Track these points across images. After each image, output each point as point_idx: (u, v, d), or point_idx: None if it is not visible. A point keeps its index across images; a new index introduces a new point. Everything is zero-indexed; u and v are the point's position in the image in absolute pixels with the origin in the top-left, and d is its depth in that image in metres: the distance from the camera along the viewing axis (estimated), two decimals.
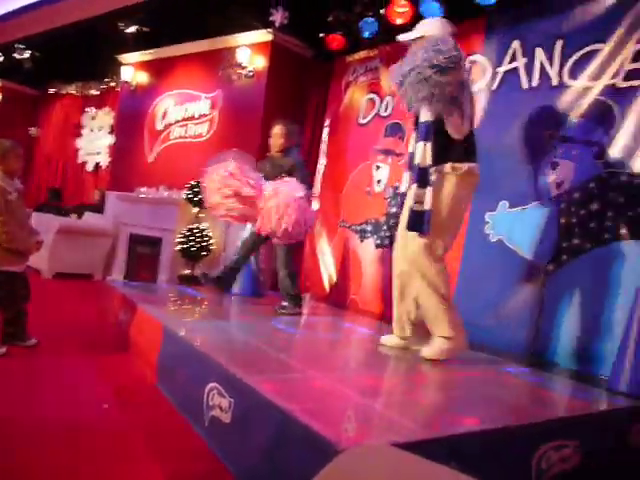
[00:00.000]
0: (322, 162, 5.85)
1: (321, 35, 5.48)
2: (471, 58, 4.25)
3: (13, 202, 3.28)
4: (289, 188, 3.92)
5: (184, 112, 6.87)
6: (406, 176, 3.18)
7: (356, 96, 5.54)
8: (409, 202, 3.00)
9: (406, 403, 2.22)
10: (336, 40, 5.42)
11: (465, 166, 2.95)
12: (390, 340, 3.27)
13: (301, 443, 1.72)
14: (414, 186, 2.95)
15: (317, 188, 5.82)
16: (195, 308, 4.19)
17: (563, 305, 3.48)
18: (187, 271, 5.92)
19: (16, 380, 2.83)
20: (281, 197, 3.86)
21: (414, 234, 2.97)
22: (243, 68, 6.13)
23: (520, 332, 3.64)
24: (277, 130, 4.33)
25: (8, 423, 2.26)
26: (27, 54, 8.59)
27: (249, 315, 4.06)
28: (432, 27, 3.01)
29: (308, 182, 4.33)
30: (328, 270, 5.48)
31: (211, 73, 6.60)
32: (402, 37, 3.11)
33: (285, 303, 4.25)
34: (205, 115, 6.60)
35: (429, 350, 2.97)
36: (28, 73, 9.21)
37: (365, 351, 3.38)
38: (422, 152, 2.91)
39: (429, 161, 2.91)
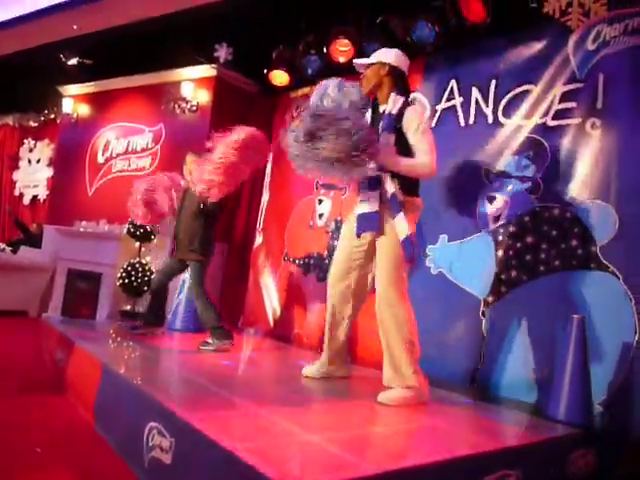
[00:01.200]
0: (265, 196, 5.87)
1: (265, 71, 5.56)
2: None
3: None
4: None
5: (126, 145, 6.79)
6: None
7: None
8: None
9: (351, 438, 2.21)
10: (280, 76, 5.51)
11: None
12: (311, 370, 3.30)
13: None
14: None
15: (260, 222, 5.83)
16: (136, 345, 4.06)
17: (503, 335, 3.58)
18: (128, 307, 5.77)
19: None
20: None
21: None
22: (187, 102, 6.13)
23: (461, 363, 3.70)
24: (188, 159, 4.41)
25: None
26: None
27: (191, 351, 3.96)
28: (388, 55, 3.08)
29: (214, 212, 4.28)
30: (272, 304, 5.45)
31: (154, 106, 6.57)
32: (357, 62, 3.18)
33: (209, 339, 4.01)
34: (148, 148, 6.53)
35: (388, 396, 2.80)
36: None
37: (309, 386, 3.36)
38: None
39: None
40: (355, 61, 3.21)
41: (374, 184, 2.94)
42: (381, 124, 2.96)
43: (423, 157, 2.89)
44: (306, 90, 5.57)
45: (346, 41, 4.78)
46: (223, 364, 3.58)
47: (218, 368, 3.45)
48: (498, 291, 3.67)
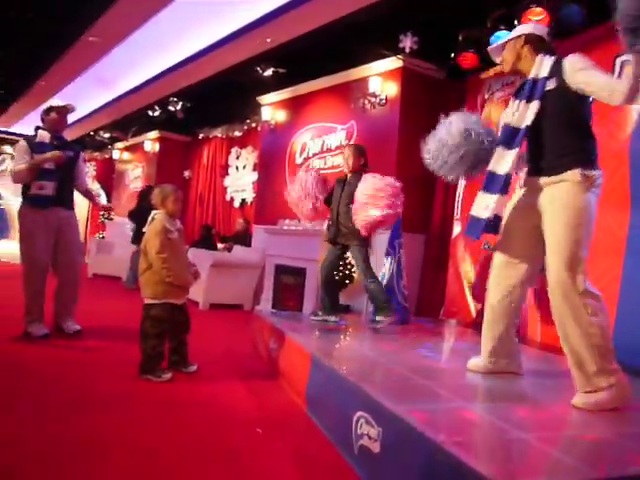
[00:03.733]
0: (462, 184, 5.67)
1: (452, 55, 5.40)
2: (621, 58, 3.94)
3: (174, 241, 3.58)
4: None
5: (321, 144, 7.10)
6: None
7: (493, 113, 5.36)
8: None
9: (565, 438, 2.05)
10: (468, 58, 5.31)
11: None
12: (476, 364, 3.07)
13: (452, 477, 1.65)
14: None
15: (458, 211, 5.68)
16: (340, 336, 4.24)
17: None
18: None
19: (180, 403, 3.04)
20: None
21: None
22: (375, 97, 6.21)
23: None
24: (345, 153, 4.57)
25: (171, 442, 2.43)
26: (179, 106, 9.46)
27: (393, 343, 4.01)
28: (518, 29, 2.93)
29: None
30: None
31: (345, 104, 6.78)
32: (491, 48, 3.01)
33: (379, 317, 4.25)
34: (342, 146, 6.76)
35: (577, 401, 2.50)
36: (181, 122, 10.14)
37: (517, 380, 3.18)
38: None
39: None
40: (489, 48, 3.01)
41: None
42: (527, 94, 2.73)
43: (609, 84, 2.47)
44: (497, 69, 5.29)
45: (539, 9, 4.44)
46: (424, 355, 3.56)
47: (420, 359, 3.44)
48: None
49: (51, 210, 4.45)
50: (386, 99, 6.16)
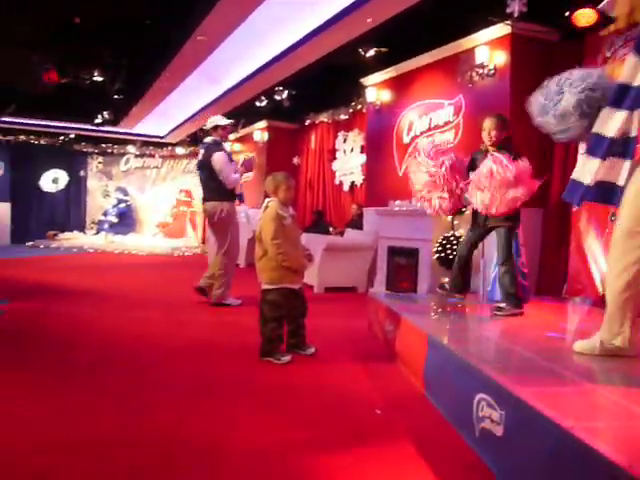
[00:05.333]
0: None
1: (567, 14, 5.03)
2: None
3: (288, 227, 3.69)
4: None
5: (428, 122, 6.95)
6: None
7: (617, 72, 4.95)
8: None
9: None
10: (585, 15, 4.92)
11: None
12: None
13: (582, 464, 1.57)
14: None
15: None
16: (457, 317, 4.15)
17: None
18: (446, 279, 5.92)
19: (300, 385, 3.14)
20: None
21: None
22: (483, 67, 5.96)
23: None
24: (488, 123, 4.17)
25: (293, 422, 2.52)
26: (285, 94, 9.66)
27: (514, 322, 3.87)
28: None
29: None
30: (600, 270, 4.95)
31: (451, 79, 6.57)
32: (603, 5, 2.74)
33: (503, 304, 4.05)
34: (449, 122, 6.57)
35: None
36: (287, 110, 10.34)
37: None
38: None
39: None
40: (603, 3, 2.72)
41: None
42: None
43: None
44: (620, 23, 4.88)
45: None
46: (547, 335, 3.40)
47: (543, 340, 3.29)
48: None
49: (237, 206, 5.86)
50: (495, 69, 5.89)
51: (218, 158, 5.59)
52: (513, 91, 5.68)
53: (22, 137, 15.10)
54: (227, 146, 5.99)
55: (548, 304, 4.85)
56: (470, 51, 6.16)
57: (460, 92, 6.42)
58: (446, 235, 5.86)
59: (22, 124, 14.02)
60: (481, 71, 6.00)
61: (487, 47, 5.93)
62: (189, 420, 2.56)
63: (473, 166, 4.19)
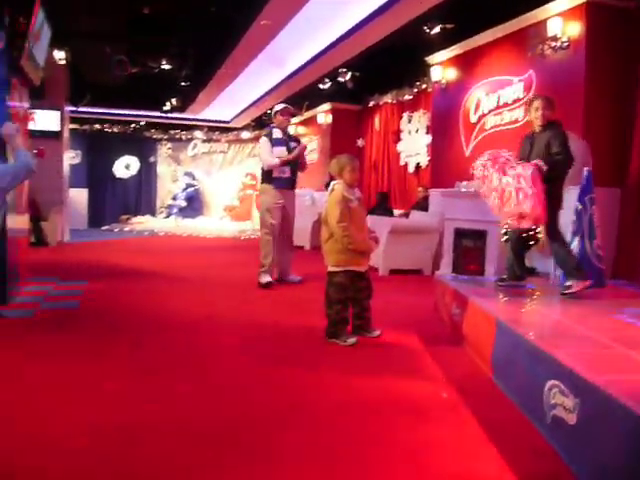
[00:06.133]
0: None
1: None
2: None
3: (354, 209, 3.68)
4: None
5: (497, 100, 6.72)
6: None
7: None
8: None
9: None
10: None
11: None
12: None
13: None
14: None
15: None
16: (527, 300, 4.04)
17: None
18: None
19: (364, 367, 3.15)
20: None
21: None
22: (556, 40, 5.68)
23: None
24: (539, 102, 4.02)
25: (357, 401, 2.54)
26: (348, 76, 9.60)
27: (587, 307, 3.71)
28: None
29: (561, 159, 3.86)
30: None
31: (521, 54, 6.31)
32: None
33: (568, 282, 3.86)
34: (519, 99, 6.33)
35: None
36: (351, 92, 10.28)
37: None
38: None
39: None
40: None
41: None
42: None
43: None
44: None
45: None
46: (625, 321, 3.26)
47: (619, 325, 3.16)
48: None
49: (284, 191, 5.93)
50: (569, 41, 5.60)
51: (260, 144, 6.09)
52: (589, 64, 5.41)
53: (97, 126, 15.72)
54: (277, 132, 5.95)
55: (625, 289, 4.64)
56: (541, 23, 5.89)
57: (531, 67, 6.16)
58: None
59: (96, 114, 14.58)
60: (554, 44, 5.73)
61: (560, 18, 5.64)
62: (255, 397, 2.63)
63: (520, 152, 4.12)
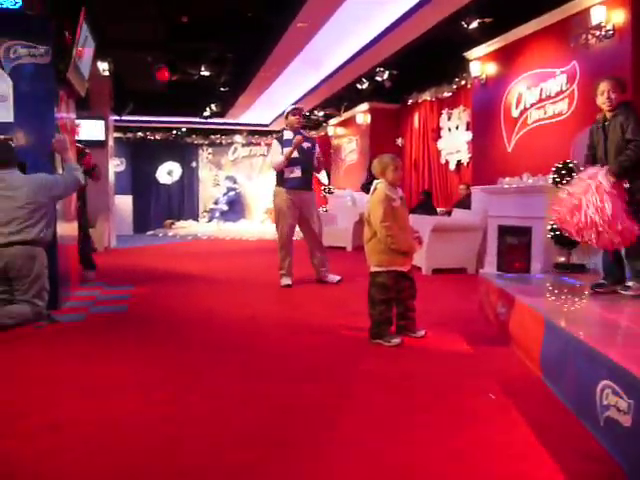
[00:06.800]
0: None
1: None
2: None
3: (397, 209, 3.66)
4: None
5: (539, 93, 6.58)
6: None
7: None
8: None
9: None
10: None
11: None
12: None
13: None
14: None
15: None
16: (575, 298, 3.92)
17: None
18: (563, 258, 5.62)
19: (409, 368, 3.13)
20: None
21: None
22: (600, 29, 5.52)
23: None
24: (605, 85, 3.69)
25: (403, 404, 2.52)
26: (386, 75, 9.55)
27: None
28: None
29: (635, 146, 3.52)
30: None
31: (562, 44, 6.16)
32: None
33: (630, 283, 3.65)
34: (562, 92, 6.18)
35: None
36: (389, 91, 10.23)
37: None
38: None
39: None
40: None
41: None
42: None
43: None
44: None
45: None
46: None
47: None
48: None
49: (296, 192, 5.87)
50: (614, 30, 5.43)
51: (272, 145, 6.20)
52: (635, 53, 5.23)
53: (139, 134, 16.11)
54: (287, 134, 5.97)
55: None
56: (584, 12, 5.73)
57: (573, 58, 6.01)
58: None
59: (139, 122, 14.96)
60: (597, 33, 5.57)
61: (604, 6, 5.48)
62: (301, 398, 2.64)
63: (591, 142, 3.87)
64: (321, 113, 13.55)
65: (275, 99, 12.35)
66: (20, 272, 4.14)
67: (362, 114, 12.06)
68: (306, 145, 5.96)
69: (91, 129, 10.17)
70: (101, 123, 10.41)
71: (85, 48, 5.43)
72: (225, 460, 2.02)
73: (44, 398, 2.69)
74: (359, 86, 10.49)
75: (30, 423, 2.36)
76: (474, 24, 7.01)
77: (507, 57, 7.21)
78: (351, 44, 8.63)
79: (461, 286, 6.12)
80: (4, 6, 4.54)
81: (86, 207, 6.46)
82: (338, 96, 11.75)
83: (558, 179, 5.48)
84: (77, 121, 6.40)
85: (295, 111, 6.08)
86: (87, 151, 6.58)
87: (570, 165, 5.39)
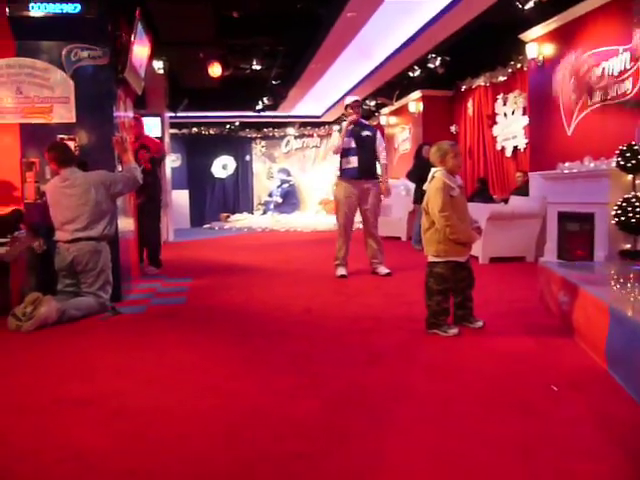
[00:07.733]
0: None
1: None
2: None
3: (456, 198, 3.59)
4: None
5: (601, 72, 6.31)
6: None
7: None
8: None
9: None
10: None
11: None
12: None
13: None
14: None
15: None
16: None
17: None
18: (628, 245, 5.39)
19: (467, 358, 3.08)
20: None
21: None
22: None
23: None
24: None
25: (463, 392, 2.48)
26: (438, 61, 9.38)
27: None
28: None
29: None
30: None
31: (625, 20, 5.87)
32: None
33: None
34: (626, 70, 5.90)
35: None
36: (441, 78, 10.05)
37: None
38: None
39: None
40: None
41: None
42: None
43: None
44: None
45: None
46: None
47: None
48: None
49: (354, 182, 5.88)
50: None
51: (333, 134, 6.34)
52: None
53: (194, 129, 16.45)
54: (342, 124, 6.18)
55: None
56: None
57: (636, 34, 5.72)
58: (627, 197, 5.31)
59: (193, 117, 15.25)
60: None
61: None
62: (358, 388, 2.64)
63: None
64: (373, 102, 13.44)
65: (326, 90, 12.34)
66: (86, 266, 4.34)
67: (414, 102, 11.89)
68: (365, 134, 5.97)
69: (148, 126, 10.44)
70: (157, 120, 10.67)
71: (140, 47, 5.57)
72: (286, 449, 2.05)
73: (109, 386, 2.79)
74: (411, 74, 10.35)
75: (97, 411, 2.46)
76: (530, 4, 6.79)
77: (565, 36, 6.93)
78: (402, 31, 8.52)
79: (520, 275, 5.98)
80: (65, 11, 4.71)
81: (155, 203, 6.61)
82: (390, 84, 11.63)
83: (623, 162, 5.26)
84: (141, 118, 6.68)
85: (353, 104, 6.11)
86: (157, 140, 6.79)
87: (635, 147, 5.16)
